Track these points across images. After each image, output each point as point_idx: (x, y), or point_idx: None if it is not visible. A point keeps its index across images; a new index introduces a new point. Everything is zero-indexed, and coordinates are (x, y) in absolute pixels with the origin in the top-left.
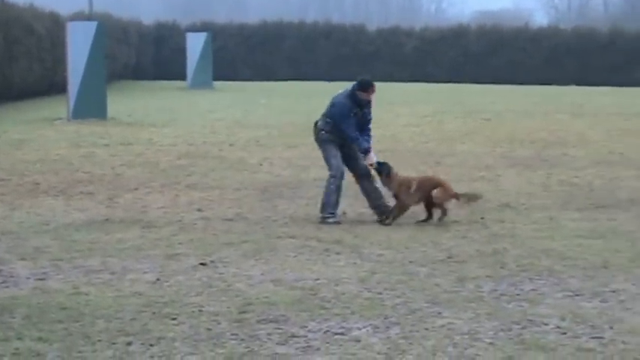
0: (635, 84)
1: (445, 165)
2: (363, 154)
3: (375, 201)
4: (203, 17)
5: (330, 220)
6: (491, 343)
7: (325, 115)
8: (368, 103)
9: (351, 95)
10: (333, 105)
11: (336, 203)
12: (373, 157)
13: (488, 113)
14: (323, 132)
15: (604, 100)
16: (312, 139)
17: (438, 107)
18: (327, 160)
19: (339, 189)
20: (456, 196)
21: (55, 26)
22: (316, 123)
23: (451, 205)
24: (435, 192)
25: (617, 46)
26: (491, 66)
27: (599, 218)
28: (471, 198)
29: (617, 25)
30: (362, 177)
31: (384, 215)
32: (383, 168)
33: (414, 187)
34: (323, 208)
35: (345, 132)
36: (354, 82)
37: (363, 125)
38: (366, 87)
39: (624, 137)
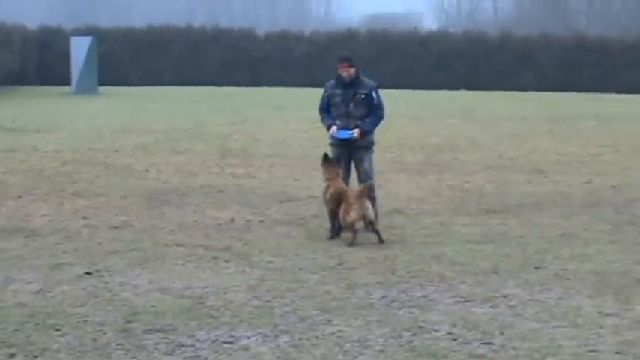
0: (524, 88)
1: None
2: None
3: None
4: (89, 21)
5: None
6: (381, 350)
7: None
8: (356, 83)
9: (336, 76)
10: None
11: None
12: (334, 129)
13: None
14: None
15: (494, 105)
16: (200, 144)
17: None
18: None
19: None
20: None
21: None
22: None
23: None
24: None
25: (506, 50)
26: (381, 70)
27: (490, 223)
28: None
29: (506, 30)
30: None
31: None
32: (327, 155)
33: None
34: None
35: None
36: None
37: (367, 110)
38: (338, 61)
39: (514, 142)
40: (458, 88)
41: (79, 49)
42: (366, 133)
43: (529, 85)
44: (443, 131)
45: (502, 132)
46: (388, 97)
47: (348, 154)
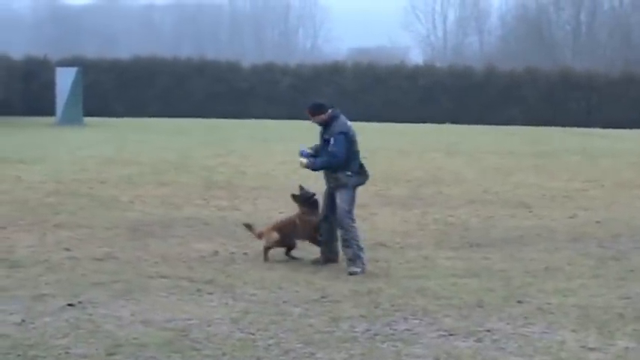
0: (508, 122)
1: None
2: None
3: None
4: (74, 52)
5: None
6: None
7: None
8: (327, 129)
9: None
10: None
11: (324, 245)
12: (303, 160)
13: (364, 151)
14: None
15: (479, 139)
16: (185, 176)
17: (312, 145)
18: None
19: (326, 233)
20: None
21: None
22: None
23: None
24: None
25: (491, 84)
26: (367, 103)
27: (474, 257)
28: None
29: (491, 64)
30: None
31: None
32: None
33: None
34: None
35: None
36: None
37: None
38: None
39: (499, 176)
40: (443, 122)
41: (65, 79)
42: (311, 167)
43: (514, 120)
44: (428, 165)
45: (487, 166)
46: (373, 130)
47: (330, 191)
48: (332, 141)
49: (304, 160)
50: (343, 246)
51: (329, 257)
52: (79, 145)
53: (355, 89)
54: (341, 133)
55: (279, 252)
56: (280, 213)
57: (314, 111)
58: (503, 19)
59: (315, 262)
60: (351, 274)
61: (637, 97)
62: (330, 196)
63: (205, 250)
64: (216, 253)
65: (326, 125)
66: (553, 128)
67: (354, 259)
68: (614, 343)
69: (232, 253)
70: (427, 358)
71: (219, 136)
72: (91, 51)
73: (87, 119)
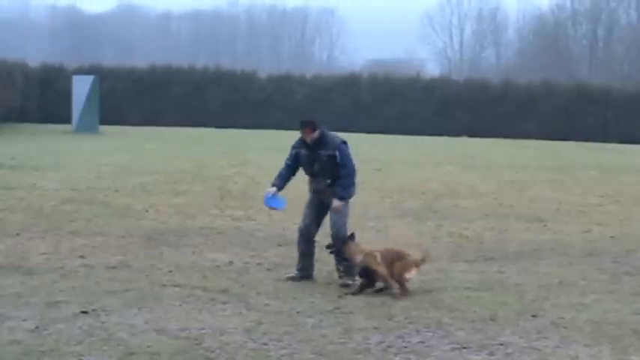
0: (525, 136)
1: None
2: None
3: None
4: (91, 60)
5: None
6: None
7: None
8: (318, 145)
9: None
10: None
11: (299, 260)
12: (269, 191)
13: (379, 163)
14: None
15: (495, 152)
16: (200, 186)
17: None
18: None
19: (299, 244)
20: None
21: None
22: None
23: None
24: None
25: (508, 97)
26: (383, 115)
27: (488, 271)
28: None
29: (508, 77)
30: (331, 235)
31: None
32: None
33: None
34: None
35: None
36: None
37: (334, 170)
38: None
39: (514, 189)
40: (459, 135)
41: (81, 87)
42: (345, 199)
43: (530, 133)
44: (443, 177)
45: (502, 179)
46: (388, 142)
47: (319, 201)
48: (338, 154)
49: (338, 204)
50: (341, 258)
51: (306, 273)
52: (95, 153)
53: (371, 101)
54: (343, 142)
55: (292, 263)
56: (294, 224)
57: (312, 127)
58: (520, 33)
59: (291, 279)
60: (343, 285)
61: None
62: (318, 208)
63: (219, 259)
64: (230, 262)
65: (317, 142)
66: (569, 142)
67: (348, 271)
68: (627, 359)
69: (246, 262)
70: None
71: (235, 146)
72: (108, 59)
73: (103, 127)
